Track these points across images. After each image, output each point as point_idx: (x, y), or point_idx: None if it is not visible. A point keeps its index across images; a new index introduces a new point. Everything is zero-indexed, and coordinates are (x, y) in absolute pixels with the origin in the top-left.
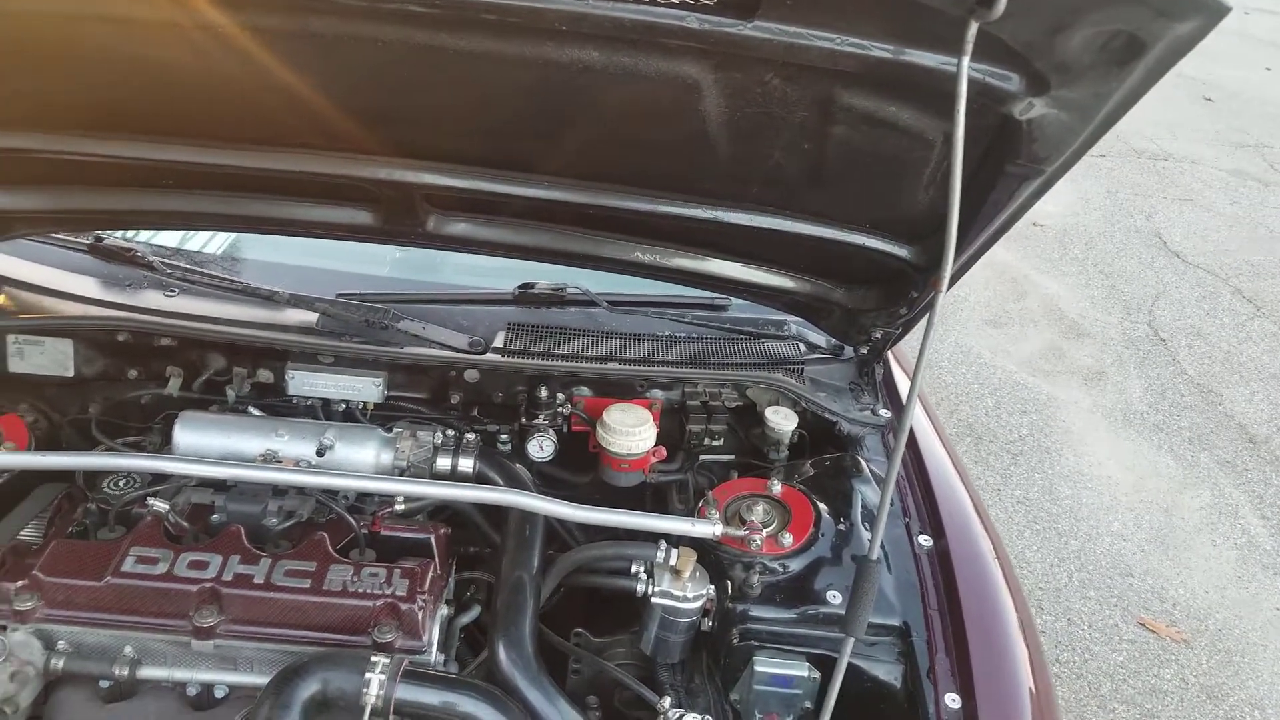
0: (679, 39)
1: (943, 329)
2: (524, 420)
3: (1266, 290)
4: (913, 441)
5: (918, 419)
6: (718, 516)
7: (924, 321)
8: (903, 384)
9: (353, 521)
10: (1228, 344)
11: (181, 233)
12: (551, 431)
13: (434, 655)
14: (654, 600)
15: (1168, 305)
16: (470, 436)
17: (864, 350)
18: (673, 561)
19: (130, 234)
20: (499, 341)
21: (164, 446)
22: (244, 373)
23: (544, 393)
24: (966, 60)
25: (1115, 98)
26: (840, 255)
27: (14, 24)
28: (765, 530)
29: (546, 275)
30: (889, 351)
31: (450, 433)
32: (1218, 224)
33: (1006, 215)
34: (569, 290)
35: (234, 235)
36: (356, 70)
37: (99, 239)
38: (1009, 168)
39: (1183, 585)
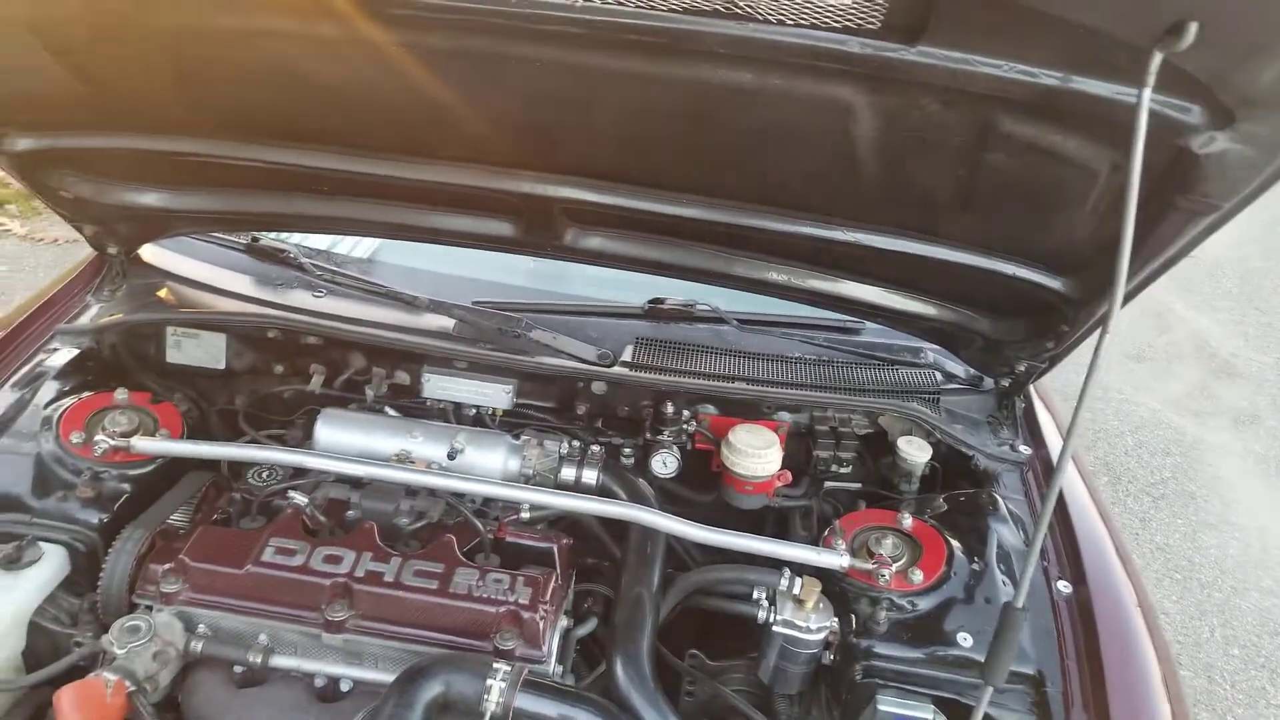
0: (839, 63)
1: (1081, 361)
2: (648, 435)
3: None
4: (1051, 476)
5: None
6: (845, 547)
7: (1088, 356)
8: (1044, 419)
9: (480, 526)
10: None
11: (331, 236)
12: (675, 448)
13: (553, 666)
14: (775, 629)
15: None
16: (595, 448)
17: (1005, 383)
18: (796, 590)
19: (283, 236)
20: (627, 355)
21: (305, 441)
22: (383, 373)
23: (669, 409)
24: (1148, 92)
25: None
26: (988, 284)
27: (187, 38)
28: (895, 565)
29: (676, 291)
30: (1030, 385)
31: (576, 443)
32: None
33: (1172, 252)
34: (699, 307)
35: (379, 241)
36: (508, 88)
37: (255, 239)
38: (1180, 202)
39: None
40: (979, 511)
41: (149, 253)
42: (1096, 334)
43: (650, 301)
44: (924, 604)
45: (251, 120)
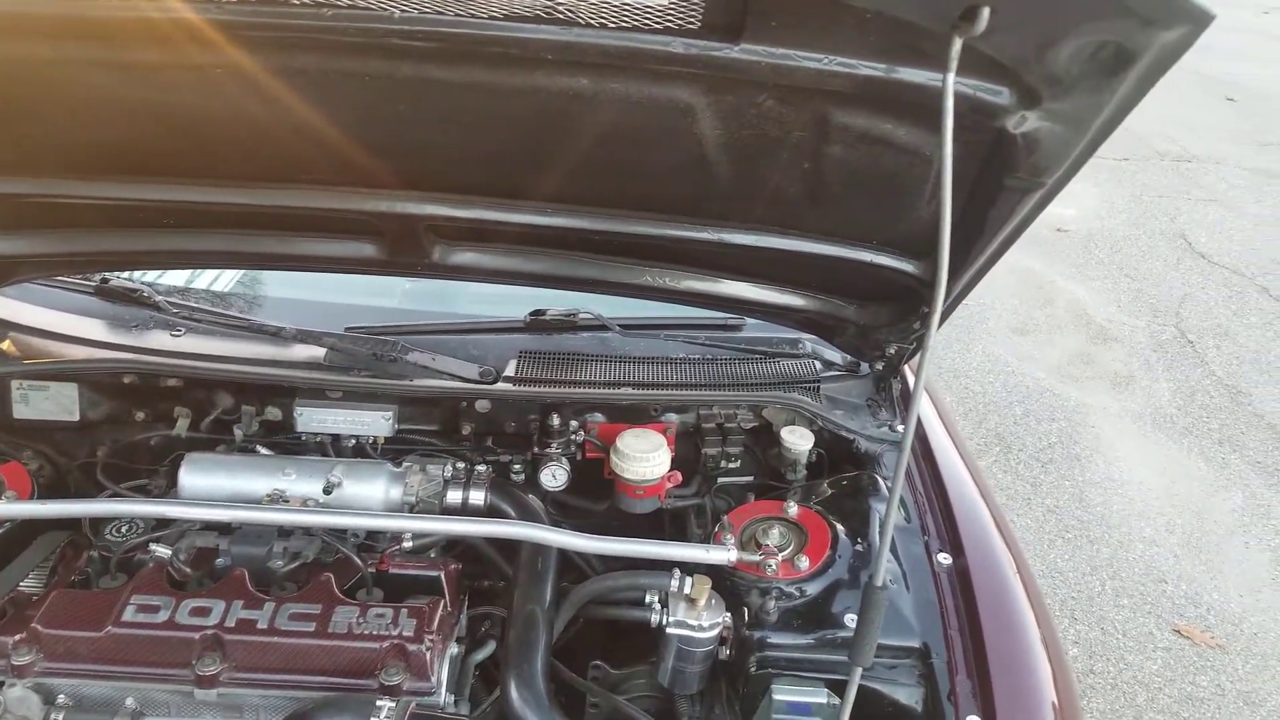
0: (667, 64)
1: (968, 338)
2: (536, 449)
3: None
4: (930, 457)
5: (936, 434)
6: (733, 541)
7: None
8: (920, 398)
9: (359, 561)
10: (1256, 343)
11: (188, 271)
12: (565, 460)
13: (443, 696)
14: (669, 630)
15: (1194, 307)
16: (481, 468)
17: (879, 366)
18: (687, 590)
19: (136, 274)
20: (510, 370)
21: (170, 490)
22: (252, 411)
23: (556, 421)
24: (952, 76)
25: (1109, 108)
26: (850, 272)
27: (11, 70)
28: (781, 554)
29: (559, 302)
30: (906, 367)
31: (461, 465)
32: (1243, 224)
33: (1010, 229)
34: (581, 315)
35: (240, 272)
36: (350, 105)
37: (104, 280)
38: (1008, 181)
39: (1217, 590)
40: (861, 493)
41: None
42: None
43: (531, 314)
44: (811, 589)
45: (85, 154)
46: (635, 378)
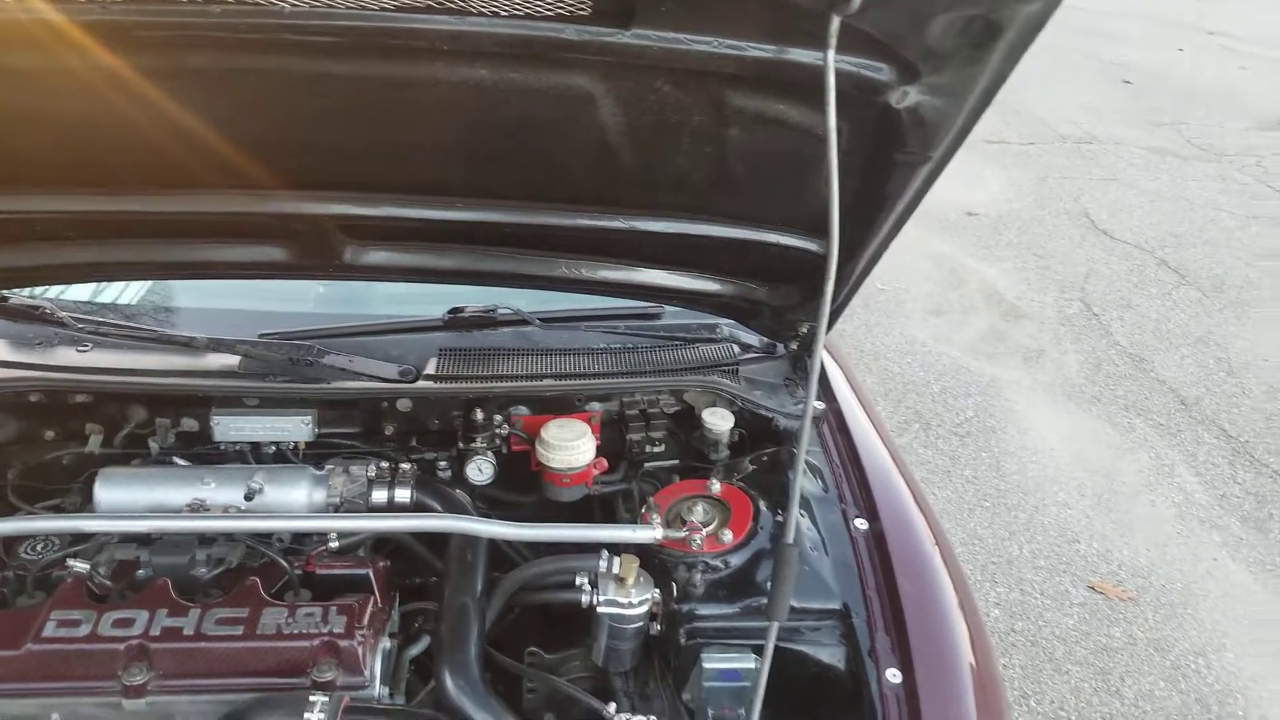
0: (562, 51)
1: (887, 321)
2: (461, 445)
3: (1190, 259)
4: (845, 430)
5: (851, 409)
6: (659, 520)
7: (821, 315)
8: (835, 374)
9: (284, 562)
10: (1156, 313)
11: (92, 285)
12: (490, 454)
13: (377, 689)
14: (600, 609)
15: (1098, 281)
16: (405, 466)
17: (794, 346)
18: (616, 570)
19: (37, 291)
20: (431, 368)
21: (85, 506)
22: (167, 423)
23: (480, 416)
24: (832, 54)
25: (983, 79)
26: (758, 254)
27: None
28: (706, 529)
29: (477, 298)
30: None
31: (385, 465)
32: (1141, 200)
33: (905, 203)
34: (500, 311)
35: (148, 284)
36: (249, 104)
37: (3, 299)
38: (898, 157)
39: (1127, 546)
40: (780, 467)
41: None
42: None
43: (449, 311)
44: (736, 560)
45: None
46: (558, 369)
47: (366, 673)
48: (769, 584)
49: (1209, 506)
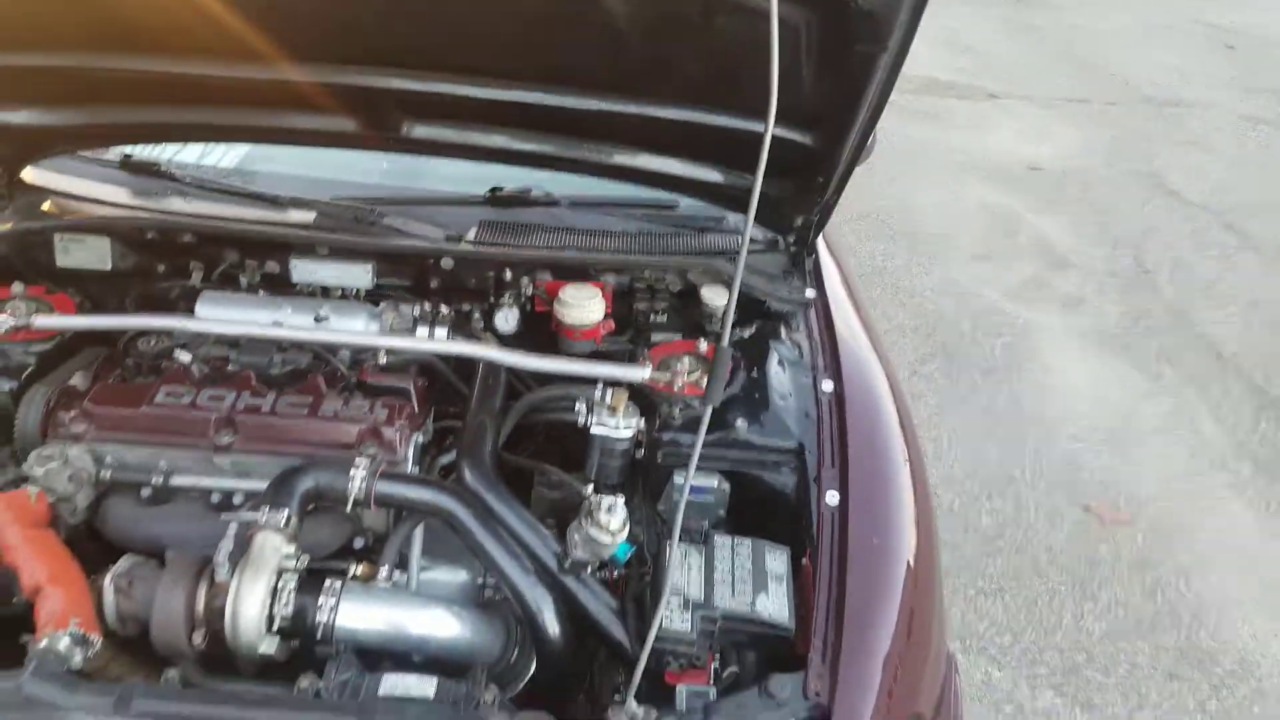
0: None
1: (929, 263)
2: (493, 299)
3: (1257, 226)
4: (828, 316)
5: (835, 292)
6: (649, 364)
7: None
8: (829, 269)
9: (343, 368)
10: (1211, 273)
11: (199, 149)
12: (515, 307)
13: (410, 468)
14: (593, 430)
15: (1156, 240)
16: (445, 310)
17: (791, 239)
18: (608, 400)
19: (155, 152)
20: (471, 235)
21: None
22: (255, 265)
23: (509, 275)
24: None
25: None
26: (753, 145)
27: None
28: (690, 376)
29: (516, 181)
30: (823, 245)
31: (428, 306)
32: (1219, 166)
33: (874, 94)
34: (534, 192)
35: (244, 150)
36: None
37: (127, 157)
38: (859, 49)
39: (1132, 478)
40: (764, 337)
41: (31, 175)
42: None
43: (491, 190)
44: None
45: (103, 31)
46: (579, 244)
47: (400, 453)
48: (738, 422)
49: (1224, 451)
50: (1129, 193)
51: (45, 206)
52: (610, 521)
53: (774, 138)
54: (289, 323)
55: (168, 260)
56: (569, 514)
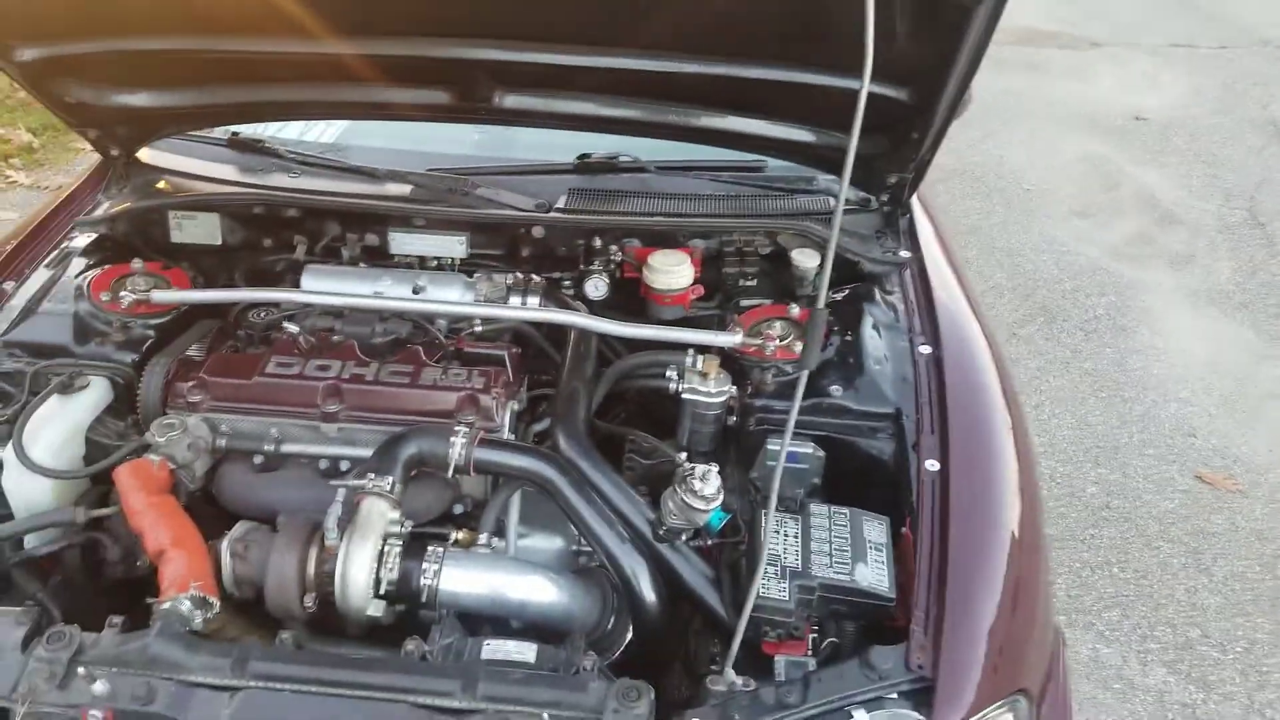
0: None
1: (1026, 220)
2: (583, 267)
3: None
4: (925, 276)
5: (935, 260)
6: (740, 330)
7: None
8: (924, 228)
9: (441, 337)
10: None
11: (301, 126)
12: (605, 275)
13: (506, 434)
14: (684, 396)
15: (1272, 190)
16: (536, 279)
17: (885, 198)
18: (699, 366)
19: (259, 130)
20: (561, 203)
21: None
22: (355, 238)
23: (599, 243)
24: None
25: None
26: (847, 103)
27: None
28: (782, 341)
29: (603, 147)
30: (918, 204)
31: (520, 275)
32: None
33: (969, 49)
34: (622, 158)
35: (342, 127)
36: None
37: (235, 135)
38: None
39: (1247, 445)
40: (856, 299)
41: (146, 155)
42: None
43: (579, 157)
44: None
45: (215, 14)
46: (667, 210)
47: (497, 420)
48: (831, 388)
49: None
50: (1242, 141)
51: (160, 185)
52: (704, 489)
53: (868, 94)
54: (388, 294)
55: (273, 234)
56: (661, 482)
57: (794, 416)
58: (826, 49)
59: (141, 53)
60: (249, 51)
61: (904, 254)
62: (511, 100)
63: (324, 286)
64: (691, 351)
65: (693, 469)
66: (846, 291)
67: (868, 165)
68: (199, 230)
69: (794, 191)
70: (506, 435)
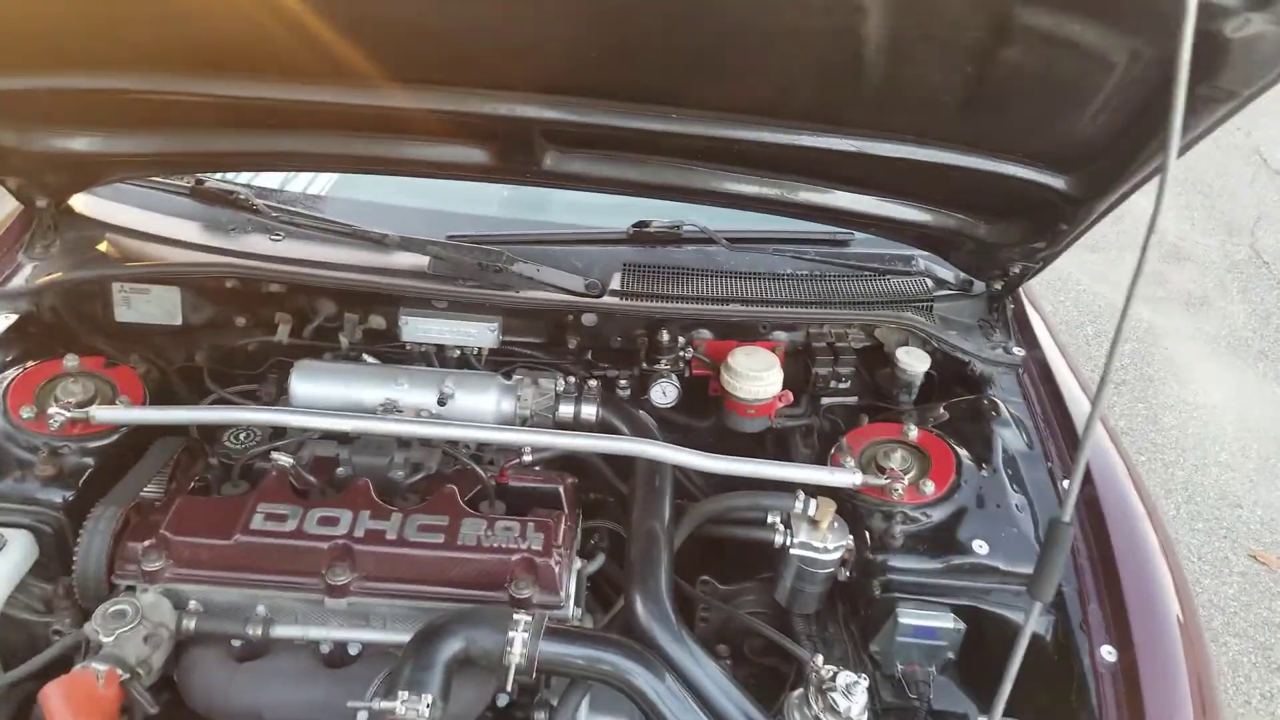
0: None
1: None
2: (645, 365)
3: None
4: (1051, 380)
5: (1051, 354)
6: (854, 464)
7: (1135, 265)
8: (1033, 319)
9: (482, 474)
10: None
11: (281, 175)
12: (674, 377)
13: (570, 610)
14: (792, 551)
15: (1270, 227)
16: (592, 383)
17: (998, 286)
18: (811, 512)
19: (229, 176)
20: (616, 283)
21: (279, 397)
22: (355, 319)
23: (665, 337)
24: None
25: None
26: (985, 186)
27: None
28: (905, 478)
29: (660, 213)
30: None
31: (571, 380)
32: None
33: (1184, 143)
34: (685, 228)
35: (336, 176)
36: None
37: (200, 182)
38: (1200, 90)
39: None
40: (981, 417)
41: (81, 203)
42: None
43: (635, 225)
44: (937, 514)
45: (187, 50)
46: (742, 293)
47: (562, 592)
48: (975, 543)
49: None
50: (1233, 171)
51: (101, 247)
52: (850, 708)
53: (1020, 179)
54: (407, 401)
55: (249, 312)
56: (738, 636)
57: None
58: (979, 127)
59: (82, 91)
60: (233, 96)
61: (1018, 351)
62: (566, 163)
63: (322, 391)
64: (800, 493)
65: (833, 676)
66: (964, 405)
67: (987, 251)
68: (153, 308)
69: (888, 272)
70: (571, 610)
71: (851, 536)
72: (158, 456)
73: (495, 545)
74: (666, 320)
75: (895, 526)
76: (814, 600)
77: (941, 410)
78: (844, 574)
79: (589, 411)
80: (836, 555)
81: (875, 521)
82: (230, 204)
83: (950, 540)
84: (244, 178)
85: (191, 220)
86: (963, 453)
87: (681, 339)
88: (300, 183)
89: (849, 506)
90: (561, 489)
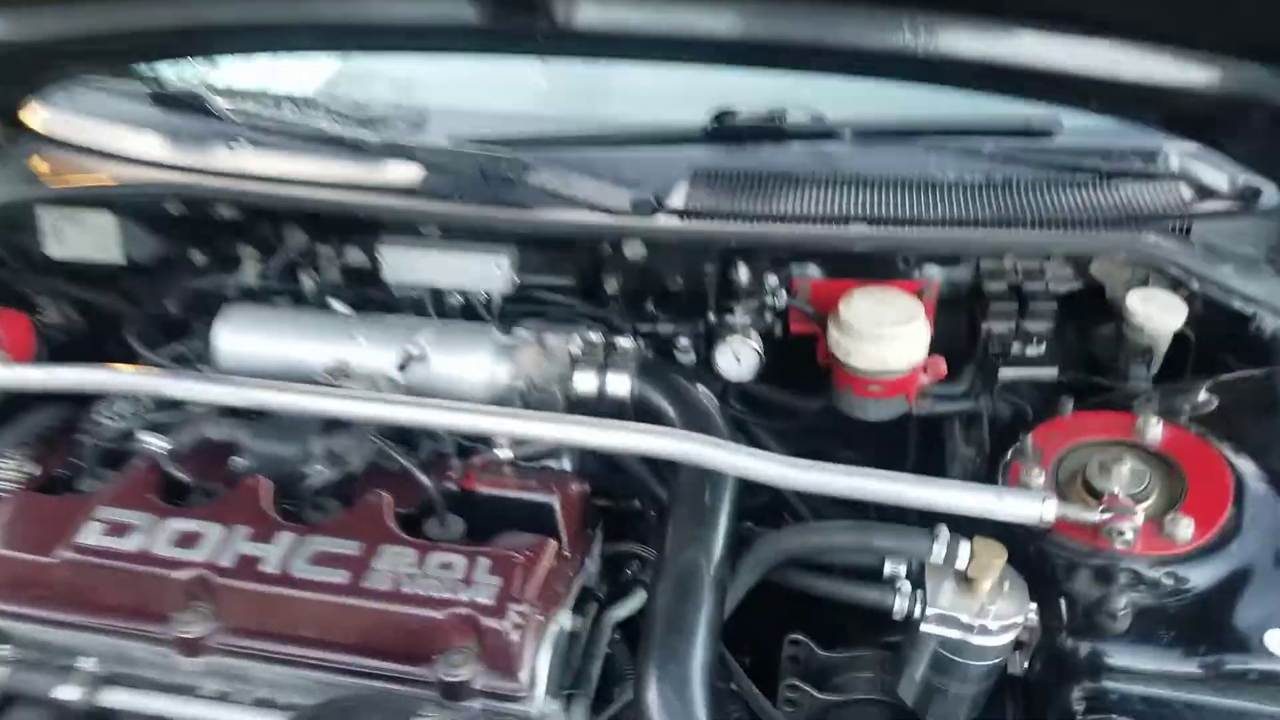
0: None
1: None
2: (714, 317)
3: None
4: None
5: None
6: (1043, 480)
7: None
8: None
9: (422, 477)
10: None
11: (260, 76)
12: (755, 334)
13: (538, 705)
14: (924, 628)
15: None
16: (627, 343)
17: None
18: (960, 563)
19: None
20: (678, 199)
21: (206, 353)
22: (331, 253)
23: (745, 275)
24: None
25: None
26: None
27: None
28: (1140, 509)
29: (756, 99)
30: None
31: (596, 338)
32: None
33: None
34: (790, 117)
35: (329, 70)
36: None
37: (160, 86)
38: None
39: None
40: (1275, 408)
41: (42, 119)
42: None
43: (715, 116)
44: (1197, 577)
45: None
46: (872, 210)
47: (523, 674)
48: (1266, 634)
49: None
50: None
51: (29, 162)
52: None
53: None
54: (361, 364)
55: (207, 246)
56: None
57: None
58: None
59: None
60: None
61: None
62: (588, 14)
63: (248, 347)
64: (943, 529)
65: None
66: (1243, 384)
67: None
68: (87, 240)
69: (1116, 175)
70: (539, 707)
71: (1035, 606)
72: (16, 432)
73: (417, 593)
74: (749, 249)
75: (1118, 595)
76: (965, 708)
77: (1204, 394)
78: (1020, 666)
79: (619, 384)
80: (1005, 638)
81: (1081, 584)
82: (186, 108)
83: (1221, 624)
84: (221, 82)
85: (151, 133)
86: (1244, 466)
87: (773, 278)
88: (286, 83)
89: (1033, 553)
90: (557, 501)
